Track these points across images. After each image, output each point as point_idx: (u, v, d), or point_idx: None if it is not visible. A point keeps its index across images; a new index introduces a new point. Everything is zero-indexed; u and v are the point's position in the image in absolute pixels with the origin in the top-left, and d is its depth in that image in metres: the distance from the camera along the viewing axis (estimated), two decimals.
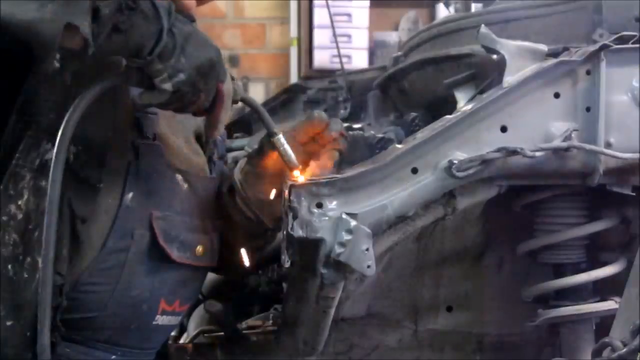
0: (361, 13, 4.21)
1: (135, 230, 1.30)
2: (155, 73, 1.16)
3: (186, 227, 1.39)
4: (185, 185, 1.41)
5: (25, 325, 1.20)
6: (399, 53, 2.16)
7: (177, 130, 1.44)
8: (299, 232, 1.25)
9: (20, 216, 1.22)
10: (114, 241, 1.28)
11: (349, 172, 1.29)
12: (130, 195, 1.30)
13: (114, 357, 1.35)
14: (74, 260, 1.25)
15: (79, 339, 1.30)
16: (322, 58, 4.19)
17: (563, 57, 1.36)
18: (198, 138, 1.52)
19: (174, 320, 1.43)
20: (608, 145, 1.34)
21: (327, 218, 1.25)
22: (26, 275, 1.21)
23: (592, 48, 1.34)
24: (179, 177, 1.40)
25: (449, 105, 1.50)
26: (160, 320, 1.38)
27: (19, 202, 1.22)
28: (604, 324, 1.52)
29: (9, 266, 1.21)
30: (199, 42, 1.20)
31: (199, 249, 1.41)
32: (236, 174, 1.49)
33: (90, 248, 1.26)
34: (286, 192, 1.26)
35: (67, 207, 1.23)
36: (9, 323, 1.20)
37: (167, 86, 1.17)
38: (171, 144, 1.41)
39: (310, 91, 2.70)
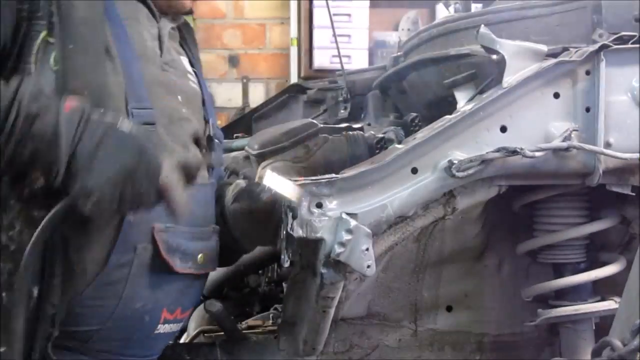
0: (361, 13, 4.20)
1: (138, 244, 1.29)
2: (73, 197, 1.10)
3: (187, 236, 1.38)
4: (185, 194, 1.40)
5: (17, 352, 1.19)
6: (399, 53, 2.16)
7: (175, 136, 1.43)
8: (299, 232, 1.25)
9: (12, 247, 1.21)
10: (117, 256, 1.27)
11: (349, 172, 1.29)
12: None
13: None
14: (74, 279, 1.24)
15: (81, 350, 1.30)
16: (322, 58, 4.17)
17: (563, 57, 1.36)
18: (196, 143, 1.51)
19: (175, 327, 1.43)
20: (608, 145, 1.34)
21: (327, 218, 1.25)
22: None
23: (592, 48, 1.34)
24: None
25: (449, 105, 1.50)
26: (162, 328, 1.38)
27: (10, 233, 1.21)
28: (604, 324, 1.52)
29: (3, 294, 1.21)
30: (113, 146, 1.11)
31: (200, 257, 1.40)
32: (227, 201, 1.51)
33: (93, 263, 1.26)
34: None
35: (59, 235, 1.21)
36: (2, 349, 1.20)
37: (86, 210, 1.11)
38: (169, 151, 1.40)
39: (310, 91, 2.69)
